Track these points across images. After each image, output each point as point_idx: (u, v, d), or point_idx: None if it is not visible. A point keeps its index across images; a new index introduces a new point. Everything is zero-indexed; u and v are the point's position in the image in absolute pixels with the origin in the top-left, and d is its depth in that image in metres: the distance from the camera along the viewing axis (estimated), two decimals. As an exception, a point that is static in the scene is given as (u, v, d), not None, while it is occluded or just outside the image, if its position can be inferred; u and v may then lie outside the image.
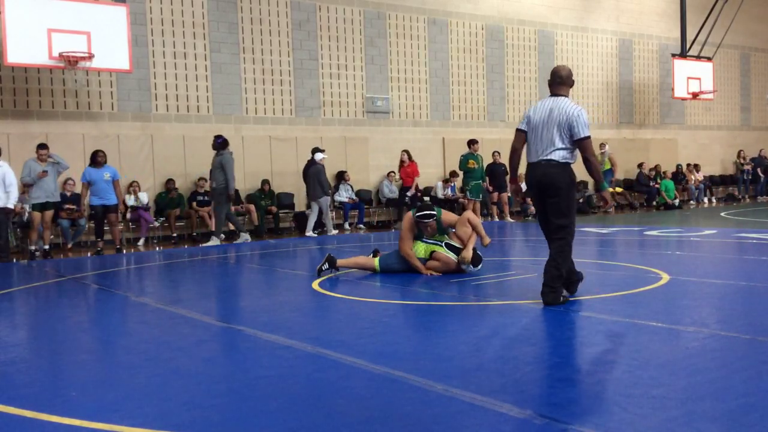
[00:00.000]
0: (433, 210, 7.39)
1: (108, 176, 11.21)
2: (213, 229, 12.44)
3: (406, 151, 15.27)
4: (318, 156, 13.39)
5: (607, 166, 17.26)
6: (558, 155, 5.35)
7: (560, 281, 5.38)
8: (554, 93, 5.54)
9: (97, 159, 11.22)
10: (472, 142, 15.10)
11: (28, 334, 5.44)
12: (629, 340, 4.33)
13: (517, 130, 5.60)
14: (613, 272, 7.28)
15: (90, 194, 11.19)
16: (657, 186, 19.11)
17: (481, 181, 15.25)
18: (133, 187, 12.96)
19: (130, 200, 12.83)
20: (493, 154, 16.07)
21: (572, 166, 5.44)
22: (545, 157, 5.37)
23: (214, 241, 12.09)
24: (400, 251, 7.49)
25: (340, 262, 7.69)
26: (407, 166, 15.13)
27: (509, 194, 16.28)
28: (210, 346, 4.66)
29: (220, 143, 11.96)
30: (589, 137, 5.37)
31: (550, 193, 5.39)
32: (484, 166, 15.43)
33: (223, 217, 12.14)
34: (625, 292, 5.93)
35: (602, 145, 17.44)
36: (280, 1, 14.88)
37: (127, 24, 11.97)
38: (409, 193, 15.13)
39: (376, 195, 16.12)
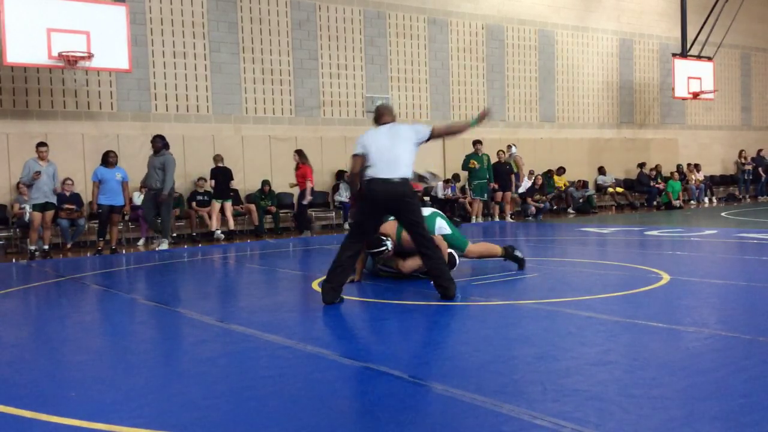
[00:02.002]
0: (382, 241, 6.74)
1: (119, 176, 11.26)
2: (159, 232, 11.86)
3: (298, 152, 13.33)
4: None
5: (514, 170, 16.40)
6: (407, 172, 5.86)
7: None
8: (384, 122, 6.06)
9: (108, 159, 11.24)
10: (475, 143, 15.14)
11: (28, 334, 5.43)
12: (630, 341, 4.32)
13: (357, 155, 5.93)
14: (614, 272, 7.27)
15: (98, 193, 11.17)
16: (658, 186, 19.08)
17: (485, 181, 15.23)
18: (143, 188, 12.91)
19: (138, 199, 12.75)
20: (498, 153, 16.04)
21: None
22: (399, 175, 5.76)
23: (164, 244, 11.58)
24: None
25: None
26: (299, 169, 13.21)
27: (513, 193, 16.29)
28: (209, 346, 4.64)
29: (164, 144, 11.56)
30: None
31: (397, 205, 5.83)
32: (489, 165, 15.42)
33: (153, 218, 11.66)
34: (625, 292, 5.92)
35: (509, 147, 16.56)
36: (280, 1, 14.85)
37: (126, 23, 11.93)
38: (304, 201, 13.09)
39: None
